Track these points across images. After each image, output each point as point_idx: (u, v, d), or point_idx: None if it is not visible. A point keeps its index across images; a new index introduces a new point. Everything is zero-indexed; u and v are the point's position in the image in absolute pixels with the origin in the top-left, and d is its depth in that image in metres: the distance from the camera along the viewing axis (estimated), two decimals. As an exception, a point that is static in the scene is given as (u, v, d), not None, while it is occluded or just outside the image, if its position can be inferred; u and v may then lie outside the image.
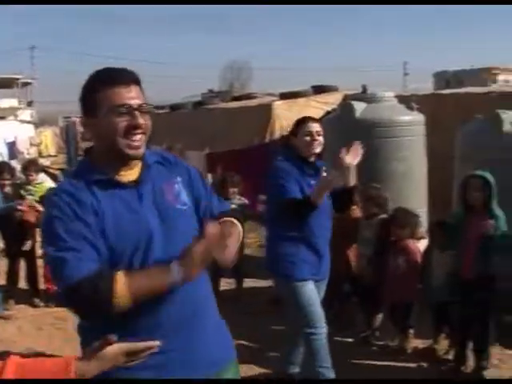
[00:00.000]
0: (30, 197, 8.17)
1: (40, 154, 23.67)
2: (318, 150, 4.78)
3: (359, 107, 8.13)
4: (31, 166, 8.78)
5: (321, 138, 4.78)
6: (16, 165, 13.65)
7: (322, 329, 4.75)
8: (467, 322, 5.45)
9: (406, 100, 9.04)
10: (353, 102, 8.30)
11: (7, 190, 7.78)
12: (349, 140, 8.06)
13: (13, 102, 42.25)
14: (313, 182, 4.67)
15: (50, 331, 7.11)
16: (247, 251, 8.62)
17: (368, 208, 6.37)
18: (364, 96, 8.62)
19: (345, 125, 8.20)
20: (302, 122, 4.86)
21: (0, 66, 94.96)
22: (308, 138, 4.74)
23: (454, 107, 10.23)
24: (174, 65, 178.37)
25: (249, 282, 8.24)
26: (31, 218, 7.84)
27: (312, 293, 4.75)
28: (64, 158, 25.86)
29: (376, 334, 6.37)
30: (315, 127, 4.79)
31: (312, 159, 4.79)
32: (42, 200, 8.08)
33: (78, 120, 22.32)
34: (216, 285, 8.11)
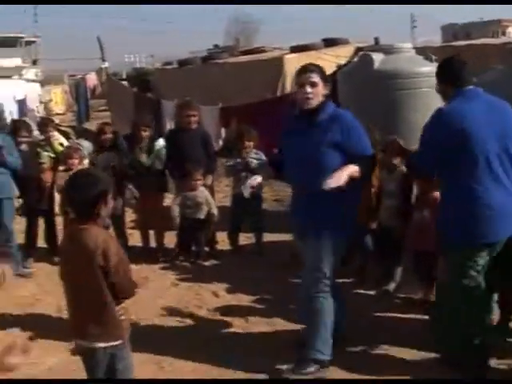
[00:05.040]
0: (45, 153, 8.13)
1: (50, 112, 23.48)
2: (306, 102, 4.62)
3: (378, 58, 8.02)
4: (49, 123, 8.76)
5: (308, 89, 4.59)
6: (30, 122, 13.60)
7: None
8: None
9: (421, 52, 8.93)
10: (371, 53, 8.19)
11: (23, 147, 7.74)
12: (367, 92, 8.04)
13: (17, 61, 41.99)
14: (300, 137, 4.66)
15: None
16: (264, 206, 8.59)
17: (388, 160, 6.30)
18: (381, 47, 8.51)
19: (363, 77, 8.11)
20: (297, 72, 4.77)
21: (3, 25, 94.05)
22: (300, 90, 4.66)
23: (469, 58, 10.08)
24: (176, 20, 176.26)
25: (267, 236, 8.20)
26: (50, 176, 7.82)
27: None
28: (71, 117, 25.70)
29: (396, 286, 6.38)
30: (306, 78, 4.63)
31: (309, 111, 4.65)
32: (58, 157, 8.09)
33: (87, 76, 22.17)
34: (235, 239, 8.15)
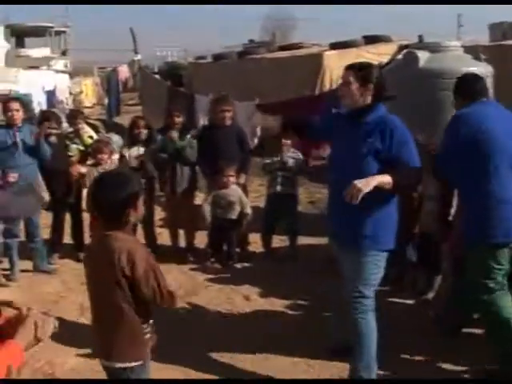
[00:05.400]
0: (74, 146, 8.24)
1: (80, 104, 23.70)
2: (343, 101, 4.60)
3: (423, 56, 7.94)
4: (78, 115, 8.89)
5: (341, 87, 4.58)
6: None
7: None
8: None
9: (469, 50, 8.82)
10: (416, 51, 8.12)
11: (52, 139, 7.80)
12: (410, 91, 7.97)
13: (46, 52, 42.42)
14: (343, 137, 4.61)
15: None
16: (300, 207, 8.58)
17: (430, 163, 6.23)
18: (427, 45, 8.42)
19: (406, 75, 8.03)
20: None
21: (33, 14, 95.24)
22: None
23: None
24: (211, 14, 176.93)
25: (302, 239, 8.20)
26: (77, 170, 7.90)
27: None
28: (100, 110, 25.88)
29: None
30: (342, 76, 4.64)
31: (354, 111, 4.57)
32: (87, 150, 8.16)
33: (119, 69, 22.32)
34: (268, 241, 8.14)
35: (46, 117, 8.02)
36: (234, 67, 16.82)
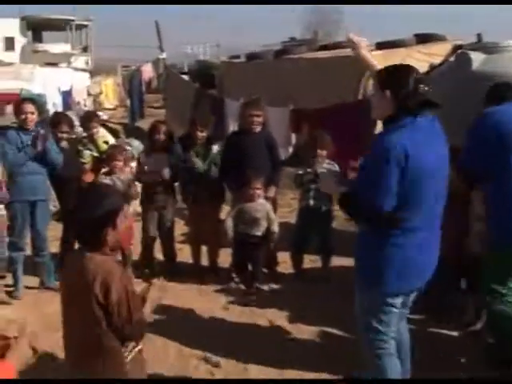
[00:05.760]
0: (87, 152, 8.34)
1: (100, 106, 23.91)
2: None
3: (477, 58, 7.91)
4: (93, 117, 8.92)
5: (371, 99, 4.56)
6: (72, 116, 13.87)
7: None
8: None
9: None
10: (469, 52, 8.09)
11: (64, 144, 7.92)
12: (462, 96, 7.95)
13: (66, 47, 43.06)
14: None
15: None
16: (334, 224, 8.57)
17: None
18: (484, 45, 8.38)
19: (458, 78, 8.01)
20: None
21: (52, 6, 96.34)
22: None
23: None
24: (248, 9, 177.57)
25: (336, 260, 8.21)
26: (91, 178, 8.00)
27: None
28: (123, 112, 26.09)
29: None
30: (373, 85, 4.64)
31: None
32: (102, 156, 8.26)
33: (142, 68, 22.51)
34: (299, 261, 8.15)
35: (57, 120, 8.15)
36: (268, 68, 16.83)
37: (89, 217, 3.37)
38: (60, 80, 22.77)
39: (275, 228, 7.77)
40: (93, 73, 33.83)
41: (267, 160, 7.96)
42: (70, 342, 3.57)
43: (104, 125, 17.11)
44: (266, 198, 7.85)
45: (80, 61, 37.52)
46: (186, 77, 24.13)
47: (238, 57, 21.62)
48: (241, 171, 7.71)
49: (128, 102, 23.89)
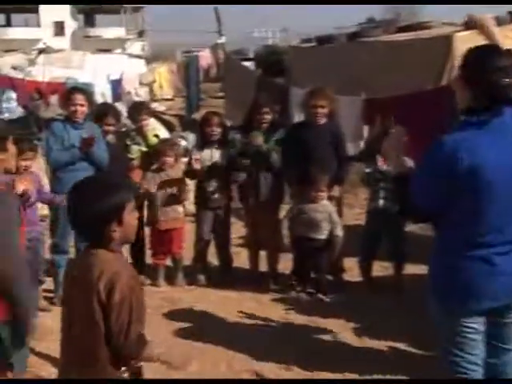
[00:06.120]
0: (135, 147, 8.49)
1: (154, 97, 24.08)
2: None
3: None
4: (142, 108, 9.00)
5: None
6: (121, 108, 14.03)
7: None
8: None
9: None
10: None
11: (110, 138, 8.05)
12: None
13: (120, 32, 43.57)
14: None
15: (154, 316, 7.35)
16: (410, 227, 8.53)
17: None
18: None
19: None
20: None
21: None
22: None
23: None
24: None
25: (410, 268, 8.17)
26: (139, 176, 8.19)
27: None
28: (182, 103, 26.25)
29: None
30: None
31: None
32: (152, 151, 8.36)
33: (200, 54, 22.61)
34: (368, 268, 8.14)
35: (103, 111, 8.26)
36: (340, 53, 16.83)
37: (90, 212, 3.31)
38: (110, 68, 23.03)
39: (338, 232, 7.81)
40: (149, 59, 34.14)
41: (332, 155, 7.97)
42: (66, 347, 3.53)
43: (158, 117, 17.43)
44: (330, 198, 7.88)
45: (135, 46, 37.93)
46: (250, 63, 24.24)
47: (309, 40, 21.62)
48: (302, 167, 7.74)
49: (185, 92, 23.99)
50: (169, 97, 28.24)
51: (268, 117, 8.21)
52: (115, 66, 23.62)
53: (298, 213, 7.79)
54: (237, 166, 8.27)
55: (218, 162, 8.19)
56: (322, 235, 7.79)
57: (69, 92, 7.84)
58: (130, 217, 3.43)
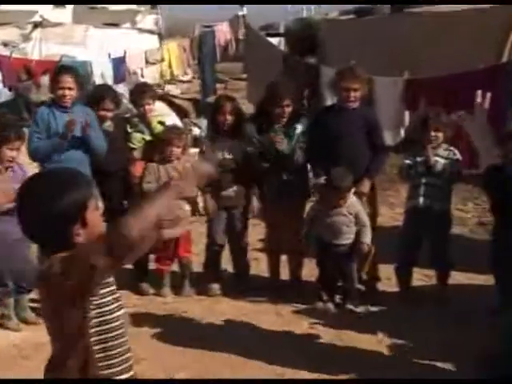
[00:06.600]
0: (138, 135, 8.51)
1: (165, 78, 23.92)
2: None
3: None
4: (146, 91, 8.93)
5: None
6: (125, 91, 14.05)
7: None
8: None
9: None
10: None
11: (107, 124, 8.10)
12: None
13: (130, 3, 43.46)
14: None
15: (157, 331, 7.37)
16: (459, 230, 8.46)
17: None
18: None
19: None
20: None
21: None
22: None
23: None
24: None
25: (457, 276, 8.17)
26: (141, 169, 8.18)
27: None
28: (199, 86, 26.19)
29: None
30: None
31: None
32: (157, 140, 8.36)
33: (217, 28, 22.42)
34: (406, 277, 8.10)
35: (100, 94, 8.32)
36: (382, 26, 16.80)
37: (47, 213, 3.11)
38: (114, 44, 22.88)
39: (365, 237, 7.75)
40: (164, 36, 33.97)
41: (365, 145, 7.92)
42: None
43: (169, 101, 17.43)
44: (358, 194, 7.84)
45: (148, 20, 37.68)
46: (278, 40, 24.04)
47: (348, 13, 21.59)
48: (330, 157, 7.72)
49: (199, 73, 23.76)
50: (185, 78, 28.21)
51: (289, 110, 8.12)
52: (123, 43, 23.42)
53: (321, 214, 7.79)
54: (254, 169, 8.25)
55: (233, 155, 8.18)
56: (346, 240, 7.77)
57: (56, 73, 7.88)
58: (95, 216, 3.26)
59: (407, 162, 7.97)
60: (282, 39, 30.34)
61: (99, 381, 3.38)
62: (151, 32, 32.95)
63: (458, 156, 7.84)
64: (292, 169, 8.11)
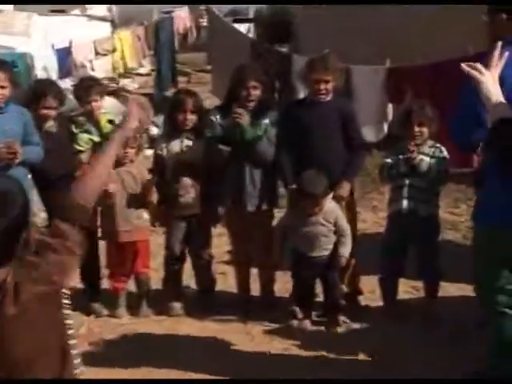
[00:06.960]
0: (84, 136, 8.45)
1: (117, 71, 23.78)
2: None
3: None
4: (92, 85, 8.81)
5: None
6: (71, 86, 13.97)
7: None
8: None
9: None
10: None
11: (50, 125, 8.08)
12: None
13: (78, -14, 43.25)
14: None
15: (113, 355, 7.37)
16: (451, 235, 8.46)
17: None
18: None
19: None
20: None
21: None
22: None
23: None
24: None
25: (446, 287, 8.22)
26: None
27: None
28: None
29: None
30: None
31: None
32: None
33: (175, 14, 22.25)
34: (390, 289, 8.11)
35: (41, 90, 8.20)
36: (362, 10, 16.84)
37: None
38: (58, 34, 22.66)
39: (344, 249, 7.75)
40: (118, 23, 33.83)
41: (340, 142, 7.90)
42: None
43: (123, 97, 17.36)
44: (337, 199, 7.82)
45: (99, 6, 37.52)
46: (246, 26, 23.98)
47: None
48: (300, 158, 7.74)
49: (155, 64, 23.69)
50: (142, 71, 28.13)
51: (256, 93, 8.07)
52: (66, 32, 23.19)
53: (295, 222, 7.79)
54: (215, 156, 8.12)
55: (192, 155, 8.13)
56: (324, 251, 7.78)
57: None
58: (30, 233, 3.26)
59: (388, 160, 7.92)
60: (252, 25, 30.33)
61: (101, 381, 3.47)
62: (103, 19, 32.71)
63: (445, 154, 7.79)
64: (257, 160, 8.03)
